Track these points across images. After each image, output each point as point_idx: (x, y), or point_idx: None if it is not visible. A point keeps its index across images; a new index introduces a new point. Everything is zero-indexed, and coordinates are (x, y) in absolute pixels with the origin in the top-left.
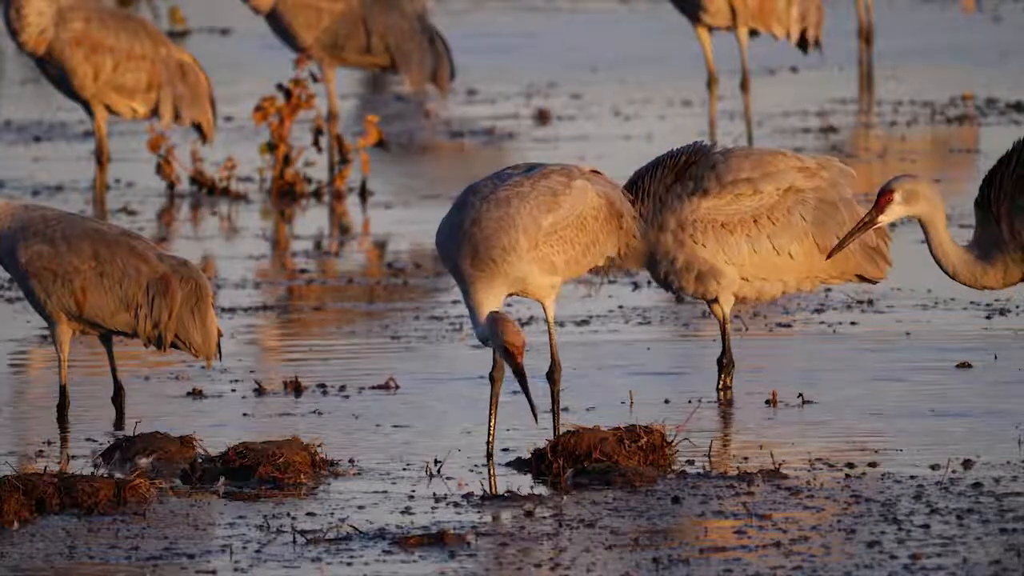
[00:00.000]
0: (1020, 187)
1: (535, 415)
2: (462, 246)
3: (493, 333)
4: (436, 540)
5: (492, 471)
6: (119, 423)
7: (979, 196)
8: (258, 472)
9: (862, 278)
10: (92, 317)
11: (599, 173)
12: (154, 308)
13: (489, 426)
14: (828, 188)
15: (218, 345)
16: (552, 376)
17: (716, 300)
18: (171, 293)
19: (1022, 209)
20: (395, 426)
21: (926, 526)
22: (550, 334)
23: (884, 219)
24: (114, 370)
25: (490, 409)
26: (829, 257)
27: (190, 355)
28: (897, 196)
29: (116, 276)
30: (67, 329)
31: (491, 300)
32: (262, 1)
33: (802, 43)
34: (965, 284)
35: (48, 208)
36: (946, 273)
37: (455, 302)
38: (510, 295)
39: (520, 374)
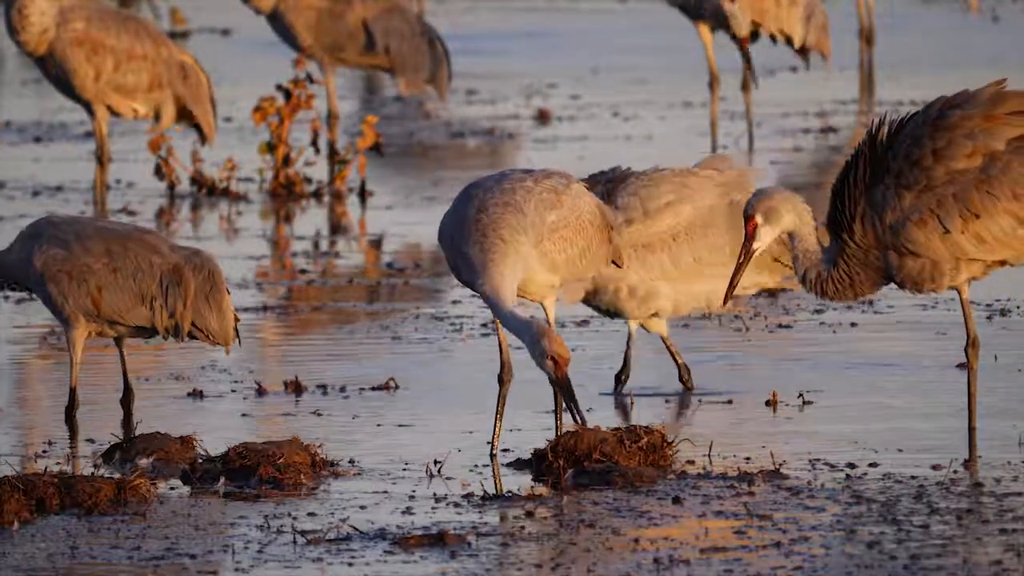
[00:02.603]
0: (874, 180)
1: (583, 421)
2: (470, 235)
3: (535, 343)
4: (437, 540)
5: (496, 471)
6: (126, 425)
7: (829, 215)
8: (258, 472)
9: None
10: (110, 315)
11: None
12: (169, 299)
13: (494, 428)
14: (739, 192)
15: (236, 331)
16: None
17: (656, 316)
18: (185, 282)
19: (876, 202)
20: (396, 426)
21: (926, 526)
22: None
23: (759, 245)
24: (125, 372)
25: (497, 410)
26: (725, 302)
27: (209, 343)
28: (759, 219)
29: (130, 271)
30: (83, 332)
31: (508, 285)
32: (263, 1)
33: (803, 51)
34: (812, 290)
35: (53, 215)
36: (799, 278)
37: (455, 302)
38: None
39: (565, 386)
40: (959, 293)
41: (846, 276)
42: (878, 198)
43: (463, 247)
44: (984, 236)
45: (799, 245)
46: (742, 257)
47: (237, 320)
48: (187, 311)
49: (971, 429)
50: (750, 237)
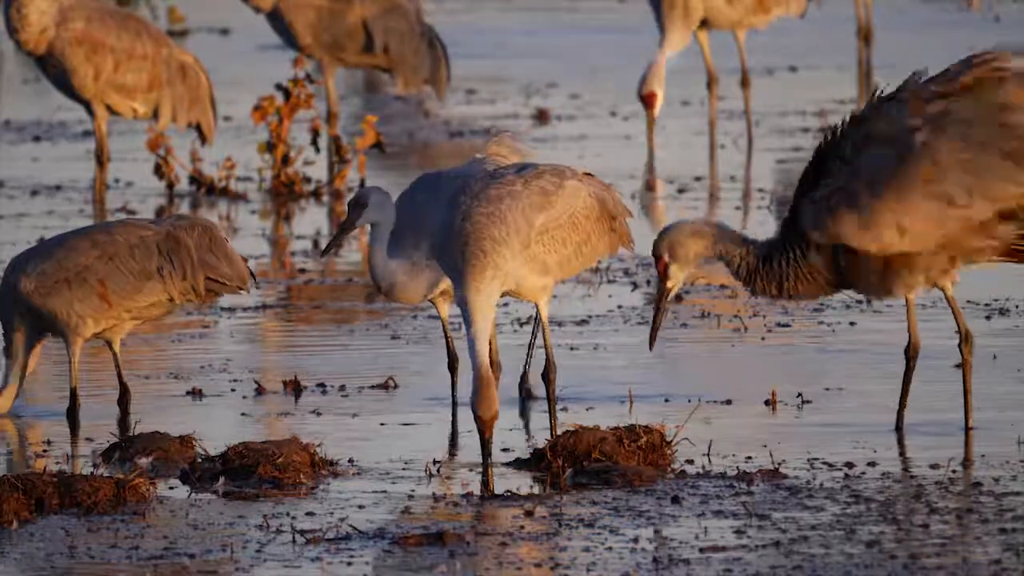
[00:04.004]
0: (816, 184)
1: (490, 488)
2: (453, 242)
3: (473, 391)
4: (436, 540)
5: (490, 471)
6: (123, 424)
7: (784, 220)
8: (258, 472)
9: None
10: (121, 302)
11: (591, 176)
12: (175, 262)
13: None
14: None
15: (249, 271)
16: (547, 376)
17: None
18: (183, 243)
19: (815, 203)
20: (394, 425)
21: (925, 526)
22: (544, 334)
23: (672, 283)
24: (119, 373)
25: None
26: (651, 347)
27: (228, 291)
28: (666, 257)
29: (124, 252)
30: (85, 337)
31: (483, 299)
32: (262, 1)
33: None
34: (743, 284)
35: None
36: (732, 274)
37: None
38: (504, 295)
39: (483, 445)
40: (943, 291)
41: (775, 279)
42: (817, 200)
43: (445, 254)
44: (905, 227)
45: (726, 259)
46: (659, 299)
47: (246, 261)
48: (196, 267)
49: (967, 428)
50: (662, 276)
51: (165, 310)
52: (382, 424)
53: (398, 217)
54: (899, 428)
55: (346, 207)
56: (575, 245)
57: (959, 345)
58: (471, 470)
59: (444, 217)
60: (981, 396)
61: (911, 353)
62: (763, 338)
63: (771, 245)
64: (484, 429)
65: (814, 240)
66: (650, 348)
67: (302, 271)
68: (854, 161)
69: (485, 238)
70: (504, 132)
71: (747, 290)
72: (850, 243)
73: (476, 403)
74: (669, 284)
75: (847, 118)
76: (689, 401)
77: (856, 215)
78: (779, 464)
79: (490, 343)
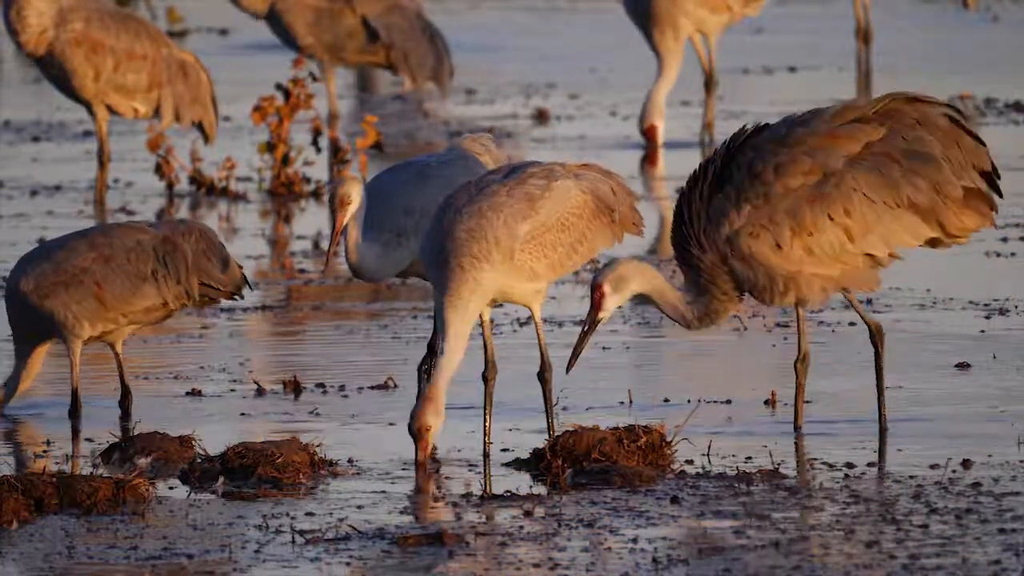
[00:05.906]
0: (715, 191)
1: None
2: (436, 257)
3: (416, 402)
4: (435, 540)
5: (488, 471)
6: (125, 426)
7: (673, 233)
8: (257, 472)
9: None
10: (117, 305)
11: (589, 165)
12: (170, 267)
13: (485, 426)
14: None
15: (244, 277)
16: (543, 376)
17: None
18: (180, 248)
19: (715, 212)
20: (394, 425)
21: (925, 526)
22: (538, 335)
23: (604, 314)
24: (122, 374)
25: (485, 409)
26: (568, 371)
27: (223, 296)
28: (607, 288)
29: (122, 254)
30: (83, 338)
31: (460, 315)
32: (257, 5)
33: None
34: (701, 327)
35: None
36: (687, 328)
37: None
38: (496, 304)
39: (417, 463)
40: (796, 309)
41: (720, 295)
42: (717, 208)
43: (430, 269)
44: (813, 249)
45: (662, 303)
46: (587, 326)
47: (241, 268)
48: (191, 272)
49: (797, 430)
50: (596, 306)
51: (161, 315)
52: (379, 424)
53: (368, 200)
54: (882, 429)
55: (329, 201)
56: (567, 247)
57: (795, 363)
58: (471, 470)
59: (430, 232)
60: (981, 396)
61: (877, 338)
62: (763, 338)
63: (699, 280)
64: (415, 439)
65: (726, 255)
66: (567, 371)
67: (302, 271)
68: (771, 188)
69: (464, 255)
70: (482, 134)
71: (701, 327)
72: (765, 265)
73: (413, 412)
74: (601, 315)
75: (752, 129)
76: (689, 401)
77: (772, 242)
78: (779, 464)
79: (487, 344)
